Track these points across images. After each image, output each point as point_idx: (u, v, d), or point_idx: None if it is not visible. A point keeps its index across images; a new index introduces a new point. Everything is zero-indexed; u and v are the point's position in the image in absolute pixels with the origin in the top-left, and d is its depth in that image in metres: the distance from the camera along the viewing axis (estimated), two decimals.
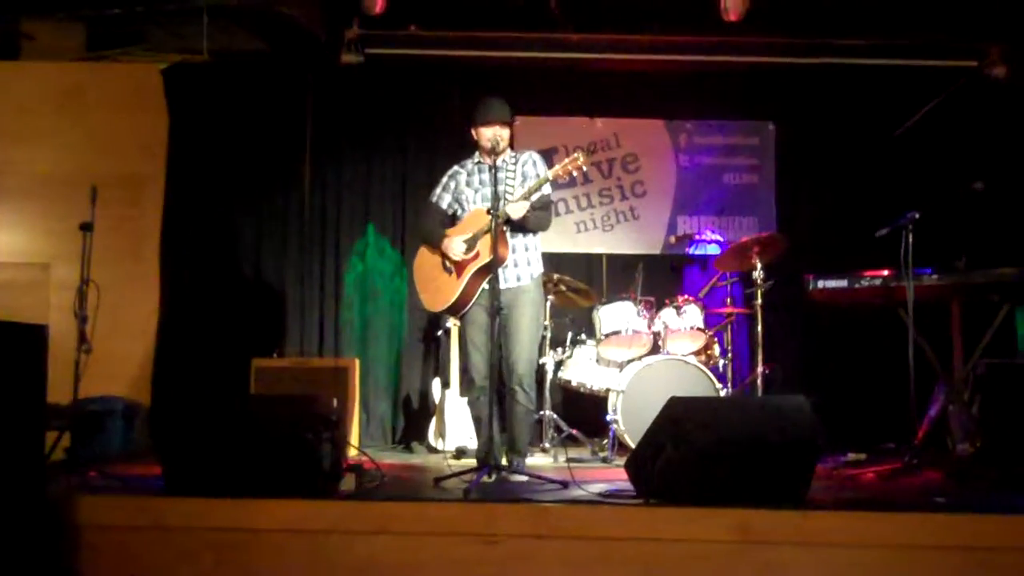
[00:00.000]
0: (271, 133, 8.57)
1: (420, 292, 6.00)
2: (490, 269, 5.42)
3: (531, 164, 5.80)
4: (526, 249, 5.82)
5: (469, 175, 5.90)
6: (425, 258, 5.95)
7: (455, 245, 5.68)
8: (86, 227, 6.10)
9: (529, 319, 5.77)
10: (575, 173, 5.68)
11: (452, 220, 5.94)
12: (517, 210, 5.52)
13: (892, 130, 8.34)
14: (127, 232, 8.37)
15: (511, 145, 5.98)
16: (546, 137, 8.41)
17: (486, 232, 5.46)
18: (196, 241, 8.50)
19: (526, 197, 5.56)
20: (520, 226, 5.71)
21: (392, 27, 8.18)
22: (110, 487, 5.07)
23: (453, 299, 5.70)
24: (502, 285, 5.58)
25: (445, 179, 6.03)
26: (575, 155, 5.54)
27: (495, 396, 5.46)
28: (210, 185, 8.54)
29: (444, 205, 5.98)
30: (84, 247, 6.06)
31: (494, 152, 5.66)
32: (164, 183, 8.58)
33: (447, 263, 5.75)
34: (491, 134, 5.72)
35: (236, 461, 4.61)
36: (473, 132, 5.84)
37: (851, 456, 6.65)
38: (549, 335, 7.39)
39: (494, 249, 5.35)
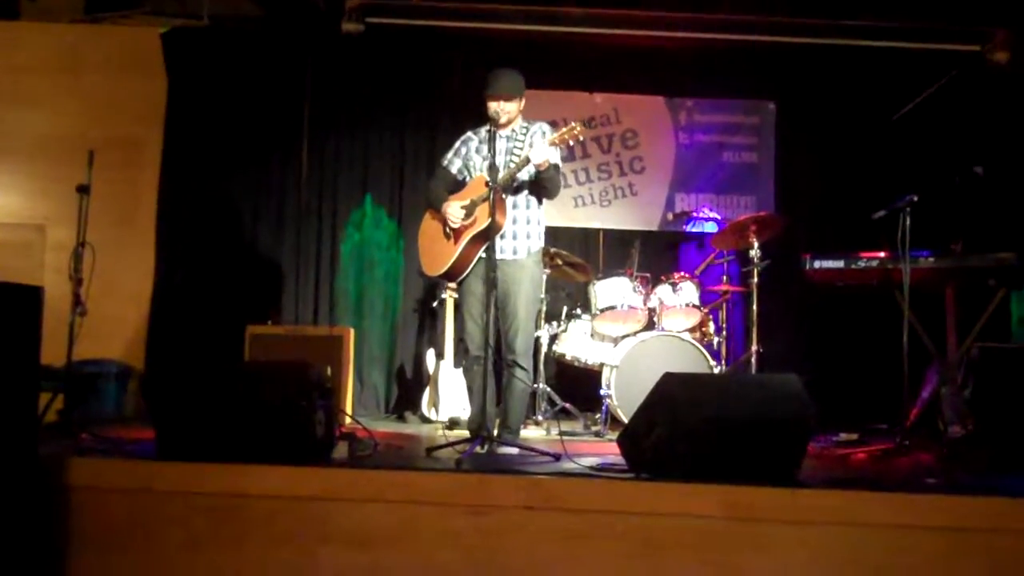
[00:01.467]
0: (270, 100, 8.54)
1: (421, 256, 5.99)
2: (487, 236, 5.41)
3: (540, 135, 5.74)
4: (527, 222, 5.78)
5: (480, 143, 5.86)
6: (429, 223, 5.94)
7: (453, 210, 5.67)
8: (83, 189, 6.09)
9: (527, 295, 5.75)
10: (571, 143, 5.67)
11: (462, 185, 5.91)
12: (539, 153, 5.43)
13: (893, 112, 8.34)
14: (123, 195, 8.36)
15: (523, 113, 5.91)
16: (546, 111, 8.31)
17: (485, 199, 5.45)
18: (192, 206, 8.48)
19: (525, 161, 5.51)
20: (521, 189, 5.70)
21: None
22: (102, 450, 5.06)
23: (448, 264, 5.70)
24: (498, 255, 5.56)
25: (458, 144, 6.00)
26: (572, 125, 5.50)
27: (490, 367, 5.46)
28: (208, 151, 8.51)
29: (454, 170, 5.95)
30: (80, 209, 6.05)
31: (497, 124, 5.64)
32: (161, 147, 8.56)
33: (447, 229, 5.74)
34: (494, 107, 5.69)
35: (229, 427, 4.61)
36: (486, 105, 5.80)
37: (843, 436, 6.65)
38: (544, 308, 7.39)
39: (492, 215, 5.33)
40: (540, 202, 5.86)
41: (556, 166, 5.77)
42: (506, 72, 5.77)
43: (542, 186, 5.72)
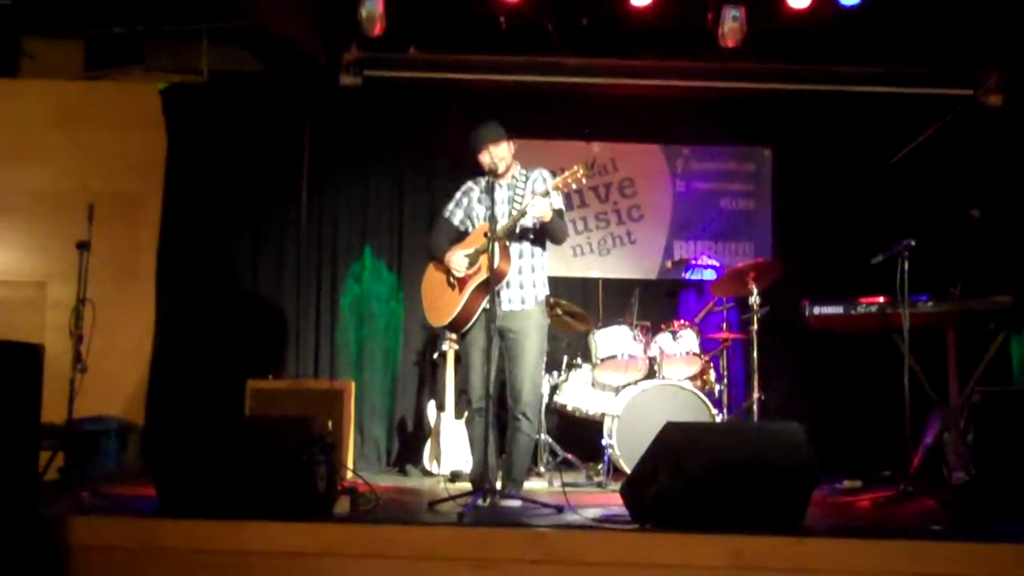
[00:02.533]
0: (269, 154, 8.57)
1: (426, 308, 5.99)
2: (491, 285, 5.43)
3: (540, 181, 5.77)
4: (532, 270, 5.79)
5: (482, 192, 5.88)
6: (432, 274, 5.95)
7: (456, 259, 5.69)
8: (83, 246, 6.09)
9: (534, 345, 5.75)
10: (575, 186, 5.67)
11: (464, 236, 5.94)
12: (539, 206, 5.46)
13: (889, 157, 8.38)
14: (123, 251, 8.36)
15: (520, 159, 5.96)
16: (543, 161, 8.21)
17: (488, 248, 5.46)
18: (192, 261, 8.48)
19: (544, 194, 5.54)
20: (525, 237, 5.72)
21: (391, 49, 8.22)
22: (103, 507, 5.04)
23: (454, 315, 5.69)
24: (505, 307, 5.60)
25: (459, 195, 6.02)
26: (575, 167, 5.51)
27: (492, 419, 5.45)
28: (207, 205, 8.53)
29: (456, 221, 5.97)
30: (80, 266, 6.05)
31: (495, 173, 5.67)
32: (161, 202, 8.56)
33: (451, 279, 5.76)
34: (488, 158, 5.73)
35: (230, 482, 4.60)
36: (479, 161, 5.84)
37: (846, 483, 6.65)
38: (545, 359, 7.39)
39: (491, 266, 5.35)
40: (544, 249, 5.88)
41: (560, 211, 5.80)
42: (482, 123, 5.84)
43: (549, 234, 5.76)
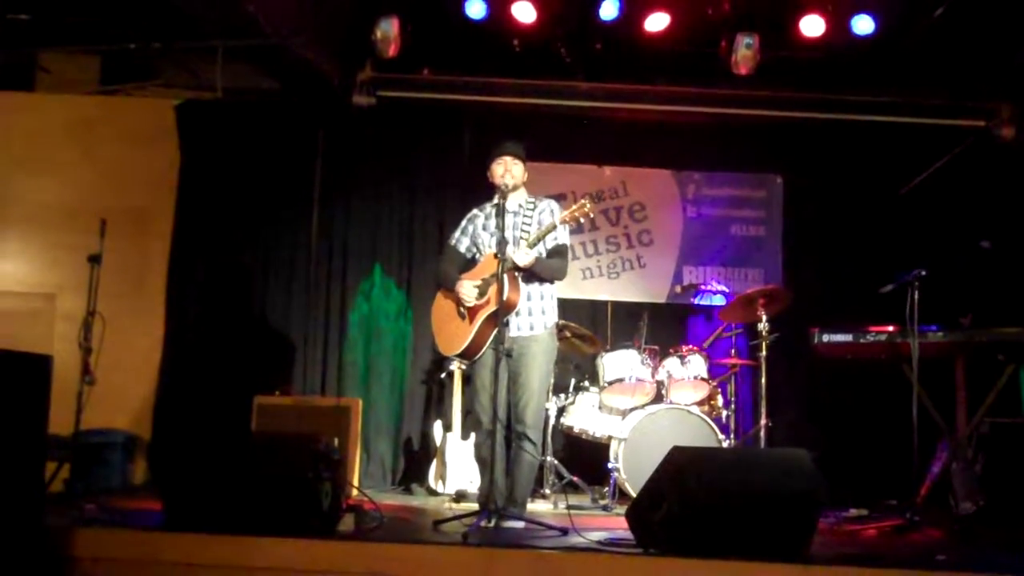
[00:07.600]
0: (281, 171, 8.60)
1: (436, 335, 6.00)
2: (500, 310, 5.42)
3: (548, 212, 5.80)
4: (541, 297, 5.80)
5: (487, 219, 5.91)
6: (441, 302, 5.95)
7: (466, 290, 5.69)
8: (94, 259, 6.10)
9: (540, 368, 5.75)
10: (582, 220, 5.70)
11: (472, 263, 5.95)
12: (523, 257, 5.52)
13: (900, 186, 8.37)
14: (134, 265, 8.38)
15: (527, 188, 5.98)
16: (555, 184, 8.42)
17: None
18: (202, 276, 8.51)
19: (531, 245, 5.57)
20: (532, 273, 5.71)
21: (404, 70, 8.25)
22: (108, 520, 5.02)
23: (465, 345, 5.69)
24: (513, 332, 5.60)
25: (464, 222, 6.05)
26: (582, 202, 5.56)
27: (500, 440, 5.44)
28: (218, 221, 8.56)
29: (463, 248, 5.99)
30: (91, 278, 6.06)
31: (506, 190, 5.67)
32: (173, 218, 8.60)
33: (461, 308, 5.75)
34: (501, 169, 5.77)
35: (236, 498, 4.60)
36: (489, 175, 5.87)
37: (853, 511, 6.61)
38: (552, 381, 7.36)
39: (500, 295, 5.35)
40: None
41: (563, 247, 5.81)
42: (508, 139, 5.89)
43: (538, 277, 5.76)
